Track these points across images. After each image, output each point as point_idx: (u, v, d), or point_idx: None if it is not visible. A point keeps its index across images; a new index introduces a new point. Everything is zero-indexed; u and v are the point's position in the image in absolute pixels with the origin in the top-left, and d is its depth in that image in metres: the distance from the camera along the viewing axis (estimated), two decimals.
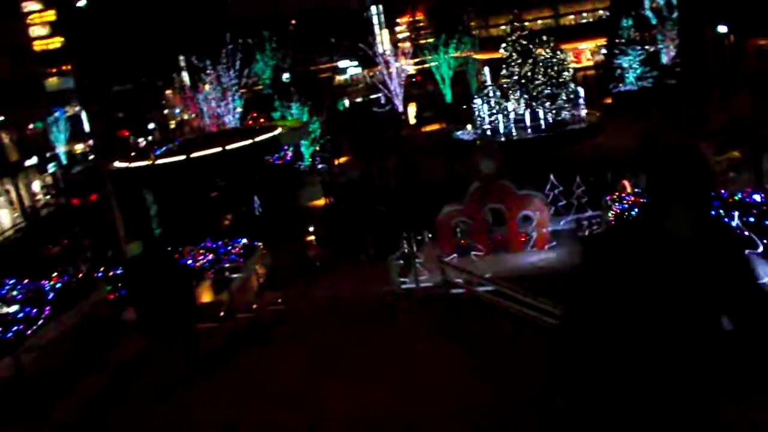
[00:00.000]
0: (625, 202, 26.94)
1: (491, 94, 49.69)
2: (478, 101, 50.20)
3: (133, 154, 40.79)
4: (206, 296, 23.30)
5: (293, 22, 69.02)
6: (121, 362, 12.41)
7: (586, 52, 67.88)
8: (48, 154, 60.30)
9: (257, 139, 38.21)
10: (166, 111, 72.52)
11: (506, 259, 24.39)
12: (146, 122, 66.81)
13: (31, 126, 60.71)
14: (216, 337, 15.21)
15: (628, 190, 28.37)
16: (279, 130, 41.12)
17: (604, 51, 64.09)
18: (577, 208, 28.09)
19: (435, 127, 58.87)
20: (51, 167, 59.70)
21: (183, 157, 35.18)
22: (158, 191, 34.42)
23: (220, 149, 35.49)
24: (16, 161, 55.04)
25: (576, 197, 28.44)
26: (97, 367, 12.75)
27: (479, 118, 49.45)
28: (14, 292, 18.65)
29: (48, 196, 56.33)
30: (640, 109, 48.05)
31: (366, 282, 26.12)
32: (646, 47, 57.38)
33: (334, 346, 11.75)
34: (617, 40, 57.47)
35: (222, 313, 19.79)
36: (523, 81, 49.78)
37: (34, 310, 17.00)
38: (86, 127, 65.61)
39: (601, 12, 68.70)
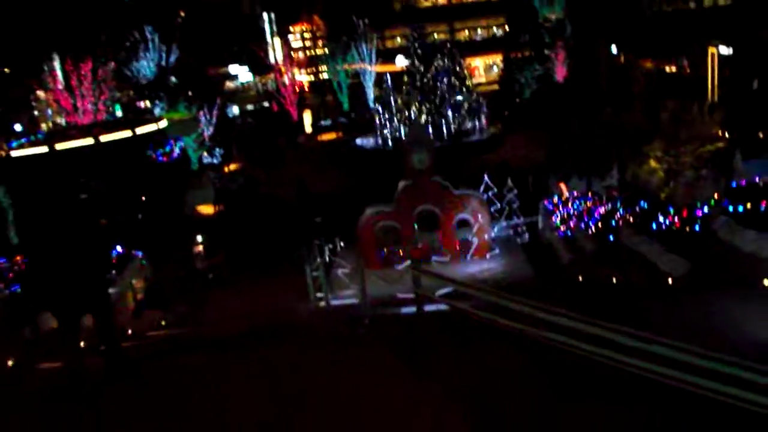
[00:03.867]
0: (565, 204, 23.39)
1: (392, 102, 45.60)
2: (378, 110, 46.01)
3: None
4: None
5: (182, 13, 61.99)
6: None
7: (479, 69, 65.35)
8: None
9: (139, 130, 31.48)
10: (36, 112, 63.38)
11: (442, 270, 19.47)
12: (10, 123, 57.53)
13: None
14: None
15: (565, 193, 24.87)
16: (164, 122, 34.49)
17: (496, 68, 62.35)
18: (508, 213, 24.16)
19: (332, 136, 54.24)
20: None
21: (45, 148, 28.08)
22: (15, 190, 27.15)
23: (92, 141, 28.64)
24: None
25: (507, 201, 24.49)
26: None
27: (380, 127, 45.15)
28: None
29: None
30: (536, 123, 45.60)
31: (272, 297, 20.76)
32: (541, 65, 55.56)
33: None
34: (513, 56, 55.88)
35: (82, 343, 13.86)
36: (425, 90, 46.07)
37: None
38: None
39: (495, 29, 66.52)
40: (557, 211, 22.60)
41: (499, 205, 23.68)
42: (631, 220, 19.74)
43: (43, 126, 60.20)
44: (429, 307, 11.01)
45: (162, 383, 10.31)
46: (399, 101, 45.09)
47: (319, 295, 17.55)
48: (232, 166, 46.45)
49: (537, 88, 52.91)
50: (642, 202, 20.39)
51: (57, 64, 54.64)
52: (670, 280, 14.69)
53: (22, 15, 55.88)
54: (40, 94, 62.37)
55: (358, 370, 9.03)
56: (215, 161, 45.46)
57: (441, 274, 13.12)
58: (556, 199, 23.96)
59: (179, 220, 30.72)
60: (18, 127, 60.37)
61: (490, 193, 23.52)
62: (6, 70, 60.03)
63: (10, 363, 11.46)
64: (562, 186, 24.73)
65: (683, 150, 19.86)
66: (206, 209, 35.72)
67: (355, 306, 13.66)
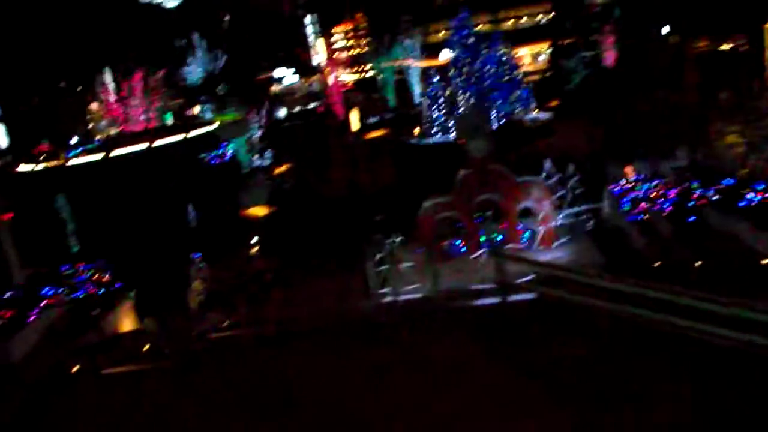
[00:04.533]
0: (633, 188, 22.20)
1: (440, 96, 44.72)
2: (425, 104, 45.23)
3: (41, 156, 33.21)
4: (125, 323, 16.60)
5: (227, 18, 62.36)
6: None
7: (526, 57, 63.92)
8: None
9: (192, 134, 31.29)
10: (90, 126, 64.57)
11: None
12: (68, 136, 58.70)
13: None
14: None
15: (632, 176, 23.67)
16: (217, 125, 34.29)
17: (542, 56, 61.05)
18: (572, 201, 23.06)
19: (379, 132, 53.55)
20: None
21: (101, 155, 28.07)
22: (73, 199, 27.20)
23: (146, 146, 28.54)
24: None
25: (570, 188, 23.38)
26: None
27: (428, 122, 44.36)
28: None
29: None
30: (588, 109, 44.12)
31: (333, 295, 20.14)
32: (589, 51, 54.04)
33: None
34: (560, 44, 54.63)
35: (146, 348, 13.41)
36: (472, 80, 45.04)
37: None
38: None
39: (540, 17, 65.01)
40: (626, 196, 21.38)
41: (561, 192, 22.60)
42: (714, 198, 18.41)
43: (98, 137, 61.26)
44: (512, 297, 10.11)
45: (228, 384, 9.69)
46: (446, 94, 44.31)
47: (382, 290, 16.81)
48: (282, 168, 46.27)
49: (586, 75, 51.52)
50: (726, 180, 19.00)
51: (108, 77, 55.47)
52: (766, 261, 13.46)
53: (75, 31, 56.79)
54: (94, 106, 63.66)
55: (436, 367, 8.20)
56: (265, 163, 45.45)
57: (534, 259, 12.16)
58: (623, 183, 22.71)
59: (234, 222, 30.42)
60: (74, 140, 61.68)
61: (551, 181, 22.46)
62: (62, 84, 61.23)
63: (74, 369, 10.96)
64: (628, 170, 23.46)
65: (764, 124, 18.50)
66: (259, 210, 35.46)
67: (425, 299, 12.85)
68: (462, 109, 43.03)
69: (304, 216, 31.38)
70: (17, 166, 29.43)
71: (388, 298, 15.88)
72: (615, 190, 22.46)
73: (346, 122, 56.48)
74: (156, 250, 21.98)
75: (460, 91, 44.50)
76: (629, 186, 22.57)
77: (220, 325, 16.30)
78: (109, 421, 9.41)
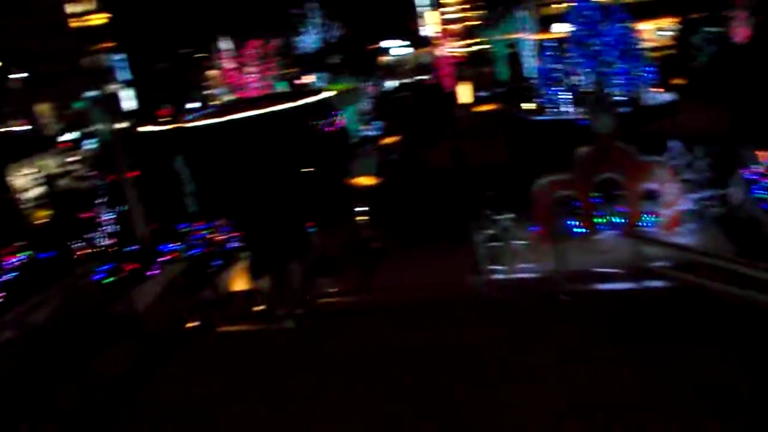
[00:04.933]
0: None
1: (555, 70, 42.99)
2: (539, 79, 43.66)
3: (163, 119, 34.56)
4: (240, 283, 16.89)
5: None
6: None
7: (649, 33, 60.43)
8: (85, 131, 55.65)
9: (305, 101, 31.57)
10: (208, 92, 66.89)
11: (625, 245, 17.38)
12: (188, 102, 61.10)
13: (72, 104, 56.54)
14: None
15: (765, 161, 21.85)
16: (329, 93, 34.44)
17: (666, 32, 57.57)
18: (701, 184, 21.52)
19: (490, 107, 52.33)
20: (88, 144, 55.02)
21: (219, 119, 28.79)
22: (192, 160, 28.09)
23: (261, 111, 29.02)
24: (52, 137, 51.22)
25: (699, 171, 21.83)
26: None
27: (541, 97, 42.81)
28: None
29: (83, 173, 51.19)
30: (715, 88, 41.07)
31: (442, 269, 19.78)
32: (717, 27, 50.30)
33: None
34: (686, 18, 51.20)
35: (258, 309, 13.51)
36: (591, 55, 42.92)
37: None
38: (125, 106, 61.06)
39: None
40: (761, 181, 19.70)
41: (688, 175, 21.11)
42: None
43: (215, 103, 63.39)
44: (648, 283, 9.32)
45: (334, 351, 9.47)
46: (562, 69, 42.63)
47: (493, 267, 16.23)
48: (390, 139, 46.18)
49: (715, 52, 48.09)
50: None
51: (226, 45, 56.94)
52: None
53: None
54: (212, 73, 65.85)
55: (551, 352, 7.57)
56: (373, 133, 45.58)
57: (678, 244, 11.29)
58: (755, 168, 20.95)
59: (342, 190, 30.58)
60: (193, 105, 64.16)
61: (678, 162, 21.00)
62: (184, 51, 63.58)
63: (191, 325, 11.08)
64: (761, 154, 21.61)
65: None
66: (366, 180, 35.49)
67: (544, 279, 12.19)
68: (580, 84, 41.27)
69: (411, 188, 31.09)
70: (142, 127, 30.78)
71: (500, 275, 15.32)
72: (746, 175, 20.82)
73: (455, 95, 55.73)
74: (272, 213, 22.29)
75: (578, 67, 42.69)
76: (762, 171, 20.86)
77: (329, 291, 16.29)
78: (222, 377, 9.38)
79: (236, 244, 18.84)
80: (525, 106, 45.01)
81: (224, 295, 13.72)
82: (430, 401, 7.39)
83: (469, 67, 63.05)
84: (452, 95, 55.41)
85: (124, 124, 55.34)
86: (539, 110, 42.70)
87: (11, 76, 48.65)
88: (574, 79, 42.52)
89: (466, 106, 53.48)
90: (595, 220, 19.04)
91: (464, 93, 54.89)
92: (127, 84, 63.00)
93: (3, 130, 49.88)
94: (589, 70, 42.26)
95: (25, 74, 49.60)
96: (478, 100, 54.31)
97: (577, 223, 19.32)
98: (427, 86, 59.93)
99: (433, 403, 7.25)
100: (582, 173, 18.69)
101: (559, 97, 42.37)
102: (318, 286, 15.86)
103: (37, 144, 47.39)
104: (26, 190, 39.62)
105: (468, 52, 65.45)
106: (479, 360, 8.01)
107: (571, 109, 41.18)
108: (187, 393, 9.03)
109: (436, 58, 60.44)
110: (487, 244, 17.94)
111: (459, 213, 23.19)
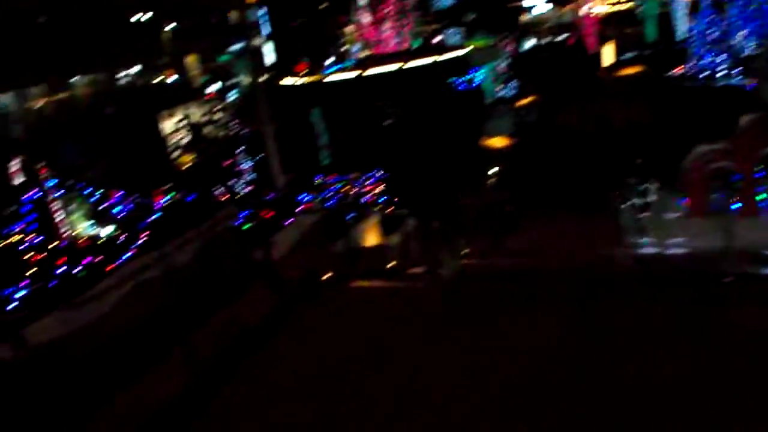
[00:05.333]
0: None
1: (710, 32, 39.42)
2: (692, 41, 40.22)
3: (301, 73, 34.90)
4: (371, 238, 16.70)
5: None
6: None
7: None
8: (228, 83, 57.68)
9: (443, 57, 30.75)
10: (344, 48, 67.20)
11: None
12: (325, 57, 61.74)
13: (218, 57, 58.67)
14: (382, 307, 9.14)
15: None
16: (467, 49, 33.37)
17: None
18: None
19: (635, 69, 48.98)
20: (231, 95, 57.03)
21: (355, 74, 28.63)
22: (328, 114, 28.18)
23: (398, 66, 28.57)
24: (198, 88, 53.48)
25: None
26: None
27: (694, 60, 39.48)
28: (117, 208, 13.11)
29: (225, 122, 53.26)
30: None
31: (579, 238, 18.69)
32: None
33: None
34: None
35: (390, 266, 13.22)
36: (753, 15, 39.00)
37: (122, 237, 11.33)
38: (266, 60, 62.53)
39: None
40: None
41: None
42: None
43: (351, 59, 63.64)
44: None
45: (467, 312, 9.00)
46: (719, 29, 39.00)
47: (639, 240, 15.02)
48: (526, 100, 44.49)
49: None
50: None
51: (364, 0, 56.57)
52: None
53: None
54: (348, 29, 66.00)
55: (712, 341, 6.62)
56: (509, 94, 44.09)
57: None
58: None
59: (477, 150, 29.72)
60: (329, 61, 64.79)
61: None
62: (320, 7, 63.92)
63: (325, 277, 10.92)
64: None
65: None
66: (500, 141, 34.34)
67: (705, 258, 11.01)
68: (740, 47, 37.61)
69: (548, 151, 29.74)
70: (282, 80, 31.24)
71: (648, 250, 14.12)
72: None
73: (598, 56, 52.63)
74: (414, 172, 22.04)
75: (737, 28, 38.89)
76: None
77: (464, 253, 15.75)
78: (356, 331, 9.14)
79: (369, 198, 18.70)
80: (676, 69, 41.74)
81: (358, 249, 13.52)
82: (572, 377, 6.76)
83: (614, 26, 59.18)
84: (595, 56, 52.35)
85: (265, 78, 56.89)
86: (692, 74, 39.47)
87: (163, 29, 50.88)
88: (734, 41, 38.83)
89: (610, 68, 50.40)
90: (757, 196, 17.15)
91: (608, 54, 51.69)
92: (268, 38, 64.51)
93: (155, 80, 52.48)
94: (748, 31, 38.45)
95: (175, 26, 51.64)
96: (623, 62, 51.00)
97: (735, 198, 17.49)
98: (569, 46, 56.98)
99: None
100: (745, 144, 16.79)
101: (715, 60, 38.94)
102: (454, 246, 15.36)
103: (184, 94, 49.50)
104: (174, 136, 41.61)
105: (612, 11, 61.53)
106: (644, 341, 7.25)
107: (728, 74, 37.71)
108: (320, 344, 8.89)
109: (579, 17, 57.22)
110: (632, 215, 16.68)
111: (598, 180, 21.85)
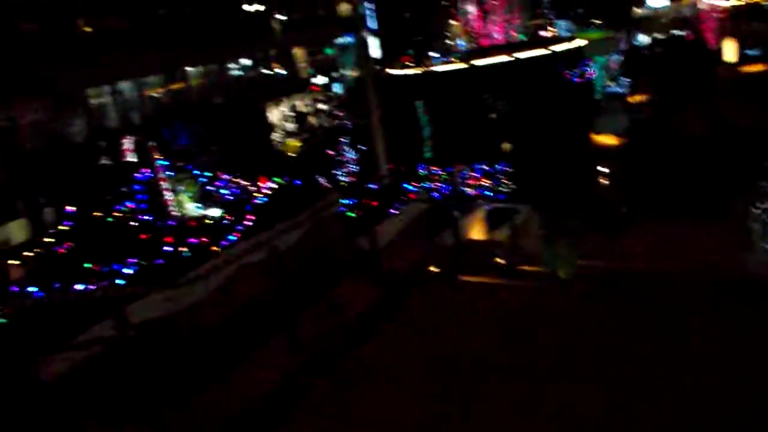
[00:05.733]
0: None
1: None
2: None
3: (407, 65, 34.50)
4: (477, 231, 16.00)
5: None
6: None
7: None
8: (334, 75, 58.15)
9: (555, 48, 29.45)
10: (449, 41, 66.39)
11: None
12: (430, 50, 61.20)
13: (324, 49, 59.34)
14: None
15: None
16: (582, 41, 31.87)
17: None
18: None
19: (760, 67, 45.52)
20: (336, 87, 57.53)
21: (463, 65, 27.89)
22: (432, 105, 27.60)
23: (508, 58, 27.58)
24: (304, 80, 54.23)
25: None
26: None
27: None
28: (224, 191, 13.03)
29: (330, 113, 53.80)
30: None
31: (700, 242, 17.27)
32: None
33: None
34: None
35: (499, 261, 12.48)
36: None
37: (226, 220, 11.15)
38: (372, 53, 62.66)
39: None
40: None
41: None
42: None
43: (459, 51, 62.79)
44: None
45: (580, 317, 8.27)
46: None
47: None
48: (637, 97, 42.23)
49: None
50: None
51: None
52: None
53: None
54: (454, 23, 65.16)
55: None
56: (620, 90, 42.02)
57: None
58: None
59: (586, 147, 28.32)
60: (434, 55, 64.16)
61: None
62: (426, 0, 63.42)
63: (433, 269, 10.34)
64: None
65: None
66: (610, 139, 32.65)
67: None
68: None
69: (661, 151, 27.95)
70: (389, 69, 30.99)
71: None
72: None
73: (719, 53, 49.41)
74: (516, 163, 21.21)
75: None
76: None
77: (576, 252, 14.78)
78: (461, 329, 8.52)
79: (475, 192, 17.99)
80: None
81: (464, 242, 12.86)
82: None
83: (739, 21, 55.33)
84: (715, 52, 49.07)
85: (371, 69, 56.96)
86: None
87: (272, 21, 51.84)
88: None
89: (732, 66, 47.09)
90: None
91: (730, 50, 48.30)
92: (373, 33, 64.58)
93: (264, 71, 53.66)
94: None
95: (284, 18, 52.53)
96: (746, 59, 47.53)
97: None
98: (685, 42, 53.77)
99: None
100: None
101: None
102: (566, 244, 14.40)
103: (291, 85, 50.38)
104: (280, 125, 42.47)
105: (736, 5, 57.57)
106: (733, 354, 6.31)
107: None
108: (424, 340, 8.34)
109: (697, 11, 53.90)
110: (764, 219, 15.16)
111: (719, 184, 20.24)
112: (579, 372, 6.90)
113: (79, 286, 10.39)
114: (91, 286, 10.16)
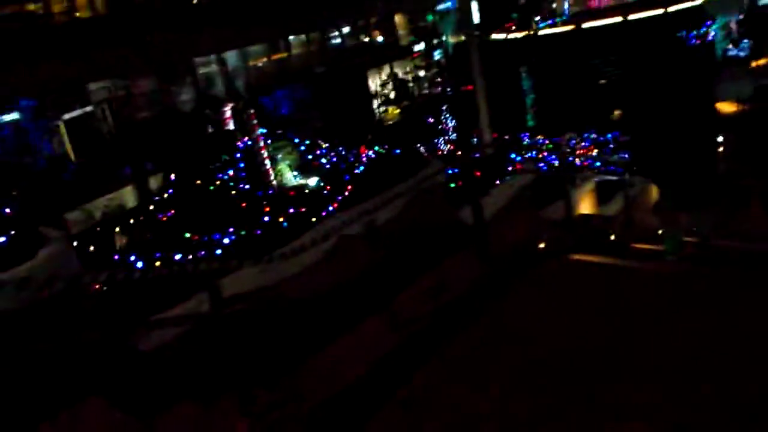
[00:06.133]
0: None
1: None
2: None
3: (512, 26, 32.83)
4: (586, 205, 14.91)
5: None
6: None
7: None
8: (435, 42, 56.94)
9: (673, 8, 27.16)
10: (555, 5, 63.29)
11: None
12: (533, 14, 58.59)
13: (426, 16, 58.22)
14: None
15: None
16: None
17: None
18: None
19: None
20: (437, 54, 56.32)
21: (570, 27, 26.20)
22: (536, 70, 26.15)
23: (618, 20, 25.68)
24: (405, 47, 53.46)
25: None
26: None
27: None
28: (323, 159, 12.61)
29: (431, 80, 52.78)
30: None
31: None
32: None
33: None
34: None
35: (612, 238, 11.48)
36: None
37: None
38: (474, 18, 60.79)
39: None
40: None
41: None
42: None
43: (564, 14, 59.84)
44: None
45: (704, 303, 7.28)
46: None
47: None
48: (762, 61, 38.62)
49: None
50: None
51: None
52: None
53: None
54: None
55: None
56: (741, 54, 38.52)
57: None
58: None
59: (705, 115, 26.09)
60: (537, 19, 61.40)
61: None
62: None
63: (541, 246, 9.51)
64: None
65: None
66: (730, 106, 30.01)
67: None
68: None
69: None
70: (493, 34, 29.64)
71: None
72: None
73: None
74: (629, 132, 19.74)
75: None
76: None
77: (693, 229, 13.49)
78: (573, 315, 7.69)
79: (584, 162, 16.80)
80: None
81: (574, 217, 11.90)
82: None
83: None
84: None
85: (473, 35, 55.26)
86: None
87: None
88: None
89: None
90: None
91: None
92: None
93: (365, 39, 53.22)
94: None
95: None
96: None
97: None
98: None
99: None
100: None
101: None
102: (667, 218, 13.15)
103: (391, 53, 49.74)
104: (380, 92, 41.96)
105: None
106: None
107: None
108: (534, 325, 7.59)
109: None
110: None
111: None
112: (721, 375, 5.97)
113: (177, 256, 10.39)
114: (189, 257, 10.15)
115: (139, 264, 10.81)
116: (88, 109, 30.49)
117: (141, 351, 6.90)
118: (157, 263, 10.66)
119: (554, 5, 61.67)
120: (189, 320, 6.52)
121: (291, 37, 43.05)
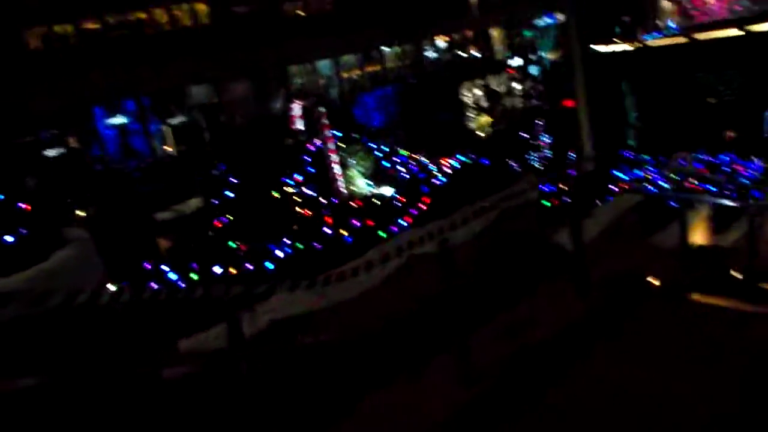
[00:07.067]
0: None
1: None
2: None
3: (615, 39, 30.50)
4: (699, 233, 12.80)
5: None
6: None
7: None
8: (532, 57, 55.22)
9: None
10: (659, 22, 59.91)
11: None
12: (637, 29, 55.60)
13: (523, 32, 56.80)
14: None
15: None
16: None
17: None
18: None
19: None
20: (533, 70, 54.53)
21: (682, 39, 23.85)
22: (641, 85, 23.91)
23: (737, 32, 23.13)
24: (501, 61, 52.32)
25: None
26: None
27: None
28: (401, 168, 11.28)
29: (526, 95, 51.13)
30: None
31: None
32: None
33: None
34: None
35: (735, 274, 9.46)
36: None
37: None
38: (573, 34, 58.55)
39: None
40: None
41: None
42: None
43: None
44: None
45: None
46: None
47: None
48: None
49: None
50: None
51: None
52: None
53: None
54: (665, 4, 58.59)
55: None
56: None
57: None
58: None
59: None
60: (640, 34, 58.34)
61: None
62: None
63: (652, 280, 7.72)
64: None
65: None
66: None
67: None
68: None
69: None
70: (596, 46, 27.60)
71: None
72: None
73: None
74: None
75: None
76: None
77: None
78: (697, 369, 5.95)
79: (695, 185, 14.67)
80: None
81: (693, 247, 9.95)
82: None
83: None
84: None
85: (578, 49, 52.89)
86: None
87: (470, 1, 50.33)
88: None
89: None
90: None
91: None
92: (575, 11, 60.45)
93: (460, 53, 52.48)
94: None
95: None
96: None
97: None
98: None
99: None
100: None
101: None
102: None
103: (486, 66, 48.71)
104: (473, 104, 40.82)
105: None
106: None
107: None
108: (644, 380, 5.90)
109: None
110: None
111: None
112: None
113: (216, 269, 9.39)
114: (230, 270, 9.15)
115: (172, 276, 9.94)
116: (188, 115, 30.84)
117: (164, 379, 5.78)
118: (193, 275, 9.73)
119: (658, 22, 58.28)
120: (201, 360, 5.33)
121: (386, 49, 42.51)
